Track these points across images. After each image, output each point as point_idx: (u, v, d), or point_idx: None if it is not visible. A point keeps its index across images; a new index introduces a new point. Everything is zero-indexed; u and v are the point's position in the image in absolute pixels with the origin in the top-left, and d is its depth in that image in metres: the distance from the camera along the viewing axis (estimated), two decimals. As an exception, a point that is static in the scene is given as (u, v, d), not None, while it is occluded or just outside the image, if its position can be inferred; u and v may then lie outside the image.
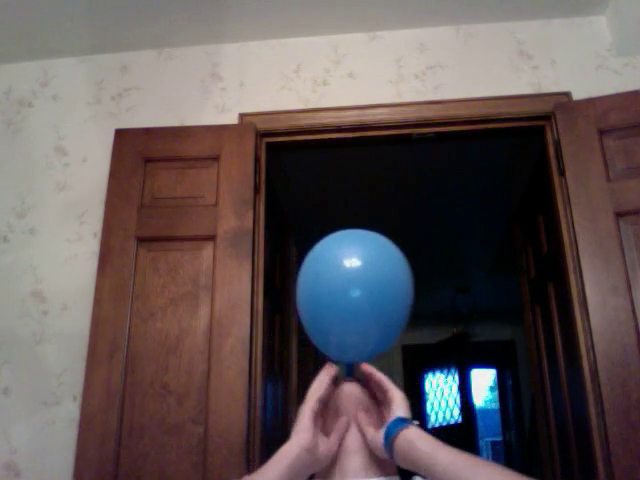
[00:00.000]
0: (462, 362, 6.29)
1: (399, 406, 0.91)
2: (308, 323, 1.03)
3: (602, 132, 1.96)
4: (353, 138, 2.24)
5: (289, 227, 3.07)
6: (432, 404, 6.48)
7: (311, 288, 1.01)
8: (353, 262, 0.99)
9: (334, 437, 0.93)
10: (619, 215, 1.86)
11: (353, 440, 0.95)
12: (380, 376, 0.96)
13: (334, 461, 0.94)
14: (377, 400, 1.00)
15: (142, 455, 1.77)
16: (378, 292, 0.97)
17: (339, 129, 2.21)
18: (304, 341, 3.40)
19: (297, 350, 3.21)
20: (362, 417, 0.95)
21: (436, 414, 6.39)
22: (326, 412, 0.98)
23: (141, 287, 1.95)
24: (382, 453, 0.89)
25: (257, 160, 2.12)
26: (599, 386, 1.73)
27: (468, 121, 2.16)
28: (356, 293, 0.96)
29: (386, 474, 0.94)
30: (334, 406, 0.99)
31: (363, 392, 1.00)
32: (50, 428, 1.95)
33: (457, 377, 6.28)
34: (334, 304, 0.97)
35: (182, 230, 2.01)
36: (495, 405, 8.41)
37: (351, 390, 1.00)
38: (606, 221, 1.86)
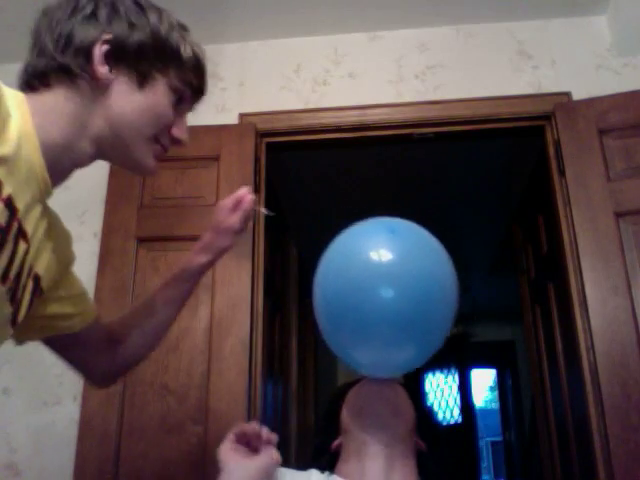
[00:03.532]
0: (462, 362, 6.29)
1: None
2: (328, 334, 0.86)
3: (602, 132, 1.96)
4: (353, 138, 2.24)
5: (289, 227, 3.07)
6: (432, 404, 6.48)
7: (332, 287, 0.83)
8: (383, 254, 0.79)
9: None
10: (619, 215, 1.86)
11: (375, 442, 0.91)
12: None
13: (357, 463, 0.91)
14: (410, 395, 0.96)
15: (142, 455, 1.77)
16: (416, 291, 0.77)
17: (339, 129, 2.21)
18: (304, 341, 3.40)
19: (297, 350, 3.21)
20: None
21: (436, 414, 6.40)
22: (351, 411, 0.94)
23: (141, 287, 1.94)
24: None
25: (257, 160, 2.12)
26: (599, 386, 1.72)
27: (468, 121, 2.16)
28: (388, 293, 0.78)
29: (408, 478, 0.92)
30: (357, 406, 0.93)
31: (390, 388, 0.93)
32: (50, 428, 1.95)
33: (457, 377, 6.28)
34: (360, 307, 0.77)
35: (182, 230, 2.00)
36: (495, 405, 8.42)
37: (375, 387, 0.93)
38: (606, 221, 1.86)
